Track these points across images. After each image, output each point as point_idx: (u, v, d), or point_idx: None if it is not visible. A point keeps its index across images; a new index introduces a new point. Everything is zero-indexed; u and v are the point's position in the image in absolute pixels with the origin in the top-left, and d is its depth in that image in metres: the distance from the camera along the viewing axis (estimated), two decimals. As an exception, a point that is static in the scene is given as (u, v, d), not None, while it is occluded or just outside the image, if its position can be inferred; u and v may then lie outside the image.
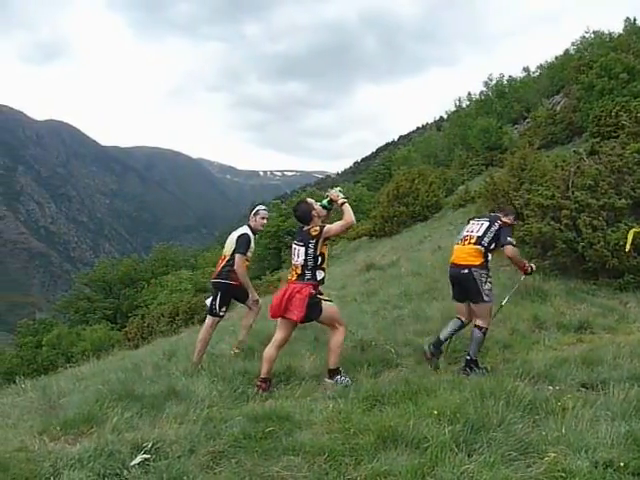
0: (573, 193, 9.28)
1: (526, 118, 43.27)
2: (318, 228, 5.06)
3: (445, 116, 64.72)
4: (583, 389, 4.60)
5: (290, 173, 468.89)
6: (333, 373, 5.03)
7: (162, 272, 49.01)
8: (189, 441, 3.77)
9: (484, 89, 49.27)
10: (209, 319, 6.28)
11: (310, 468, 3.37)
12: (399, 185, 24.86)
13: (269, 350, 5.06)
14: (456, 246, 5.74)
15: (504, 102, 46.56)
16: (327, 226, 5.13)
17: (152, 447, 3.69)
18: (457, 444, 3.47)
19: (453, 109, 53.52)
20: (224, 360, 5.95)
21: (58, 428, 4.26)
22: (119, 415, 4.34)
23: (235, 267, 6.06)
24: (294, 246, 5.26)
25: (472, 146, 42.53)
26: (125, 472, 3.42)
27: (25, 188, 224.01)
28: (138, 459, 3.56)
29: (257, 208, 6.65)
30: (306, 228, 5.17)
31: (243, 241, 6.17)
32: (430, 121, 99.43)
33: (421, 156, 50.86)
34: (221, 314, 6.24)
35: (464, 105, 51.13)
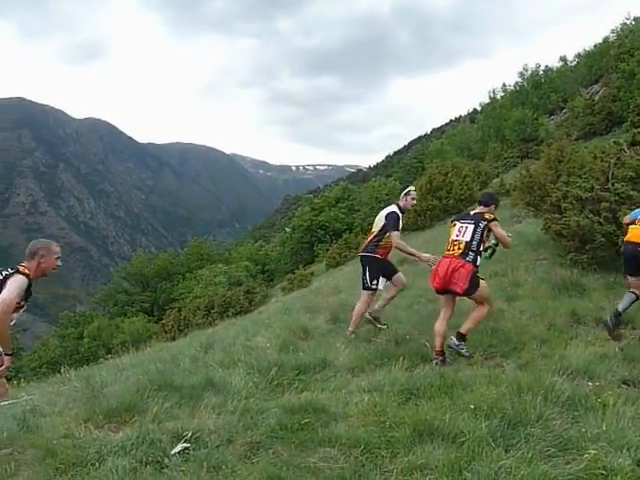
0: (613, 185, 9.03)
1: (563, 109, 42.18)
2: (492, 215, 5.62)
3: (479, 108, 63.57)
4: (624, 386, 4.51)
5: (322, 167, 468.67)
6: (461, 338, 5.41)
7: (197, 266, 49.67)
8: (227, 431, 3.85)
9: (519, 80, 48.10)
10: (364, 294, 6.59)
11: (346, 460, 3.40)
12: (432, 178, 24.60)
13: (439, 325, 5.46)
14: (632, 226, 6.23)
15: (540, 93, 45.44)
16: (497, 221, 5.61)
17: (191, 436, 3.78)
18: (494, 439, 3.46)
19: (487, 101, 52.52)
20: (259, 352, 6.01)
21: (102, 416, 4.38)
22: (159, 405, 4.44)
23: (395, 245, 6.47)
24: (460, 224, 5.63)
25: (507, 138, 41.72)
26: (166, 460, 3.51)
27: (65, 184, 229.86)
28: (178, 448, 3.65)
29: (409, 188, 6.95)
30: (479, 211, 5.70)
31: (393, 219, 6.46)
32: (464, 113, 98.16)
33: (454, 149, 50.16)
34: (373, 287, 6.54)
35: (498, 97, 50.01)
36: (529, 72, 47.28)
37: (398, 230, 6.42)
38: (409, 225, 25.19)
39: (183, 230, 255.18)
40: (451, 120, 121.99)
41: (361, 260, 6.74)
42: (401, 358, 5.18)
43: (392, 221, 6.43)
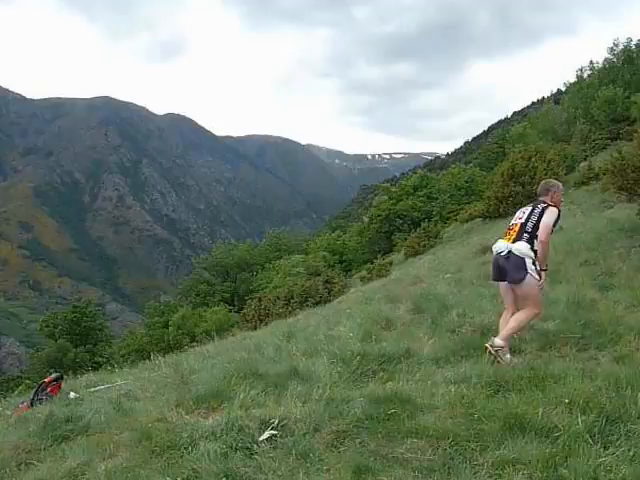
0: None
1: (659, 85, 39.39)
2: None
3: (563, 89, 60.48)
4: None
5: (398, 155, 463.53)
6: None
7: (275, 257, 50.57)
8: (313, 420, 3.88)
9: (609, 56, 45.37)
10: None
11: (434, 452, 3.35)
12: (514, 164, 23.73)
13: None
14: None
15: (633, 69, 42.62)
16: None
17: (278, 424, 3.84)
18: (591, 435, 3.31)
19: (573, 80, 49.92)
20: (342, 342, 6.03)
21: (191, 402, 4.55)
22: (246, 392, 4.54)
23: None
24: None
25: (595, 119, 39.53)
26: (255, 446, 3.59)
27: (149, 179, 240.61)
28: (266, 434, 3.72)
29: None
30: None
31: None
32: (547, 95, 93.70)
33: (537, 132, 47.99)
34: None
35: (585, 75, 47.46)
36: (620, 47, 44.46)
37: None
38: (490, 212, 24.50)
39: (261, 221, 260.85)
40: (533, 102, 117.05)
41: None
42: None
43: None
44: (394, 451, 3.40)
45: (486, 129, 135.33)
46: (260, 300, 20.72)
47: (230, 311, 37.55)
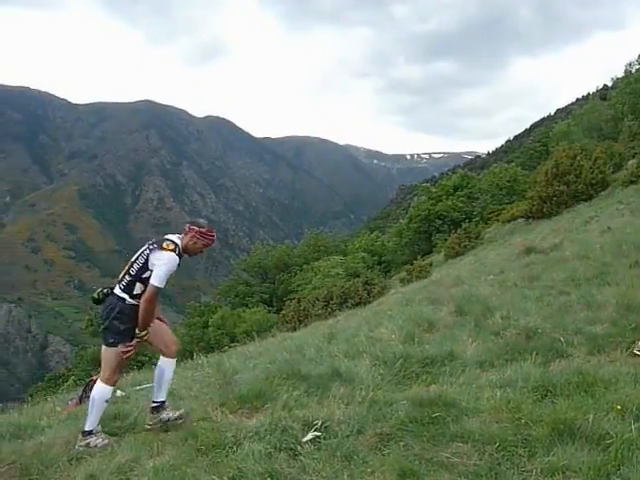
0: None
1: None
2: None
3: (610, 84, 58.73)
4: None
5: (438, 155, 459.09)
6: None
7: (314, 258, 50.66)
8: (356, 422, 3.87)
9: (660, 49, 43.77)
10: None
11: (481, 457, 3.30)
12: (559, 162, 23.16)
13: None
14: None
15: (683, 63, 41.13)
16: None
17: (321, 425, 3.84)
18: (645, 443, 3.18)
19: (621, 75, 48.33)
20: (383, 344, 6.00)
21: (235, 402, 4.60)
22: (288, 393, 4.57)
23: None
24: None
25: (644, 115, 38.19)
26: (299, 447, 3.60)
27: (189, 181, 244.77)
28: (310, 436, 3.73)
29: None
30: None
31: None
32: (592, 91, 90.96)
33: (582, 130, 46.74)
34: None
35: (634, 70, 45.86)
36: (671, 40, 42.79)
37: None
38: (533, 213, 23.98)
39: (299, 222, 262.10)
40: (578, 99, 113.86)
41: None
42: (533, 353, 4.93)
43: None
44: (439, 455, 3.36)
45: (528, 127, 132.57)
46: (299, 301, 20.80)
47: (269, 312, 37.81)
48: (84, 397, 6.19)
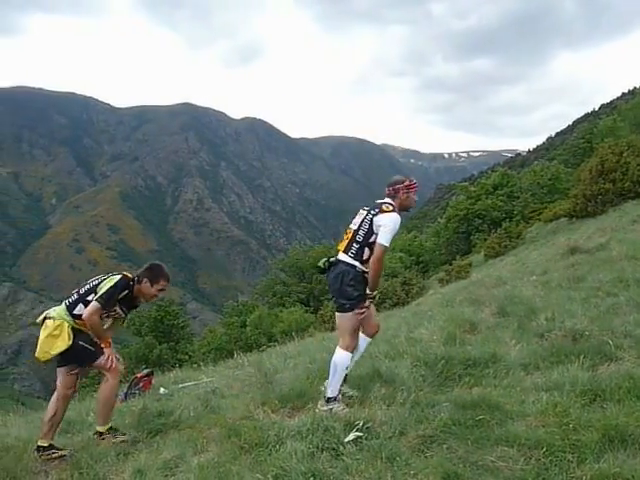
0: None
1: None
2: None
3: (657, 78, 56.67)
4: None
5: (476, 154, 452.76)
6: None
7: (351, 258, 50.46)
8: (398, 423, 3.84)
9: None
10: None
11: (527, 461, 3.23)
12: (604, 159, 22.48)
13: None
14: None
15: None
16: None
17: (363, 426, 3.82)
18: None
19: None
20: (424, 345, 5.94)
21: (276, 401, 4.63)
22: (329, 393, 4.57)
23: None
24: None
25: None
26: (341, 447, 3.59)
27: (227, 181, 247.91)
28: (351, 436, 3.72)
29: None
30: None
31: None
32: (639, 85, 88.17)
33: (629, 125, 45.24)
34: None
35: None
36: None
37: None
38: (577, 212, 23.37)
39: (335, 222, 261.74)
40: (623, 94, 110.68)
41: None
42: (580, 356, 4.79)
43: None
44: (484, 459, 3.30)
45: (571, 123, 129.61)
46: (337, 301, 20.75)
47: (306, 312, 37.89)
48: (129, 394, 6.35)
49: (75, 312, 4.46)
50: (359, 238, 4.52)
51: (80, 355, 4.45)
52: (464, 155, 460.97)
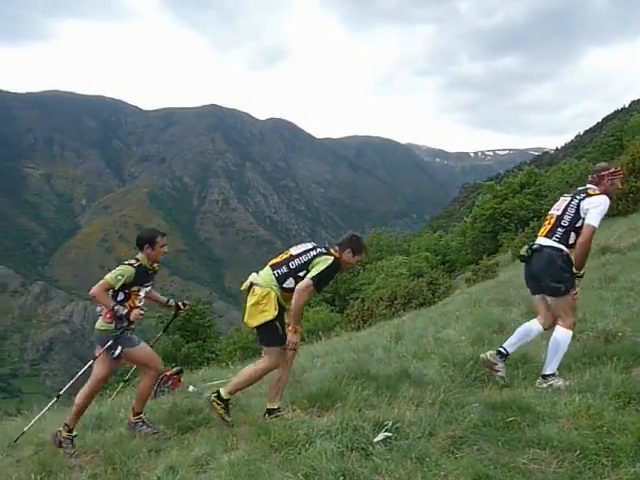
0: None
1: None
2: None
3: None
4: None
5: (502, 152, 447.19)
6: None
7: (376, 257, 50.40)
8: (428, 423, 3.81)
9: None
10: None
11: (560, 464, 3.18)
12: (635, 157, 21.99)
13: None
14: None
15: None
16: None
17: (392, 426, 3.81)
18: None
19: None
20: (452, 345, 5.91)
21: (305, 400, 4.64)
22: (357, 393, 4.58)
23: None
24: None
25: None
26: (370, 447, 3.59)
27: (252, 182, 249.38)
28: (380, 436, 3.71)
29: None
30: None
31: None
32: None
33: (662, 121, 44.31)
34: None
35: None
36: None
37: None
38: (607, 210, 22.90)
39: (360, 222, 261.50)
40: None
41: None
42: (614, 358, 4.71)
43: None
44: (515, 461, 3.26)
45: (600, 121, 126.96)
46: (363, 301, 20.76)
47: (331, 311, 37.88)
48: (158, 391, 6.42)
49: (285, 285, 4.47)
50: (564, 223, 4.62)
51: (269, 333, 4.46)
52: (490, 154, 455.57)
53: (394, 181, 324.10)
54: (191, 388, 6.41)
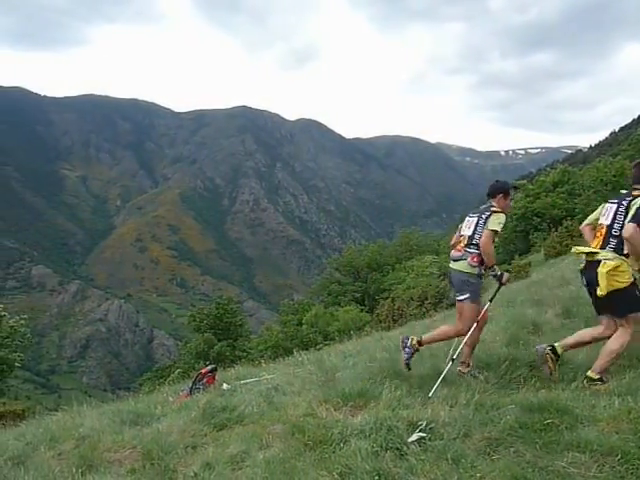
0: None
1: None
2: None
3: None
4: None
5: (534, 150, 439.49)
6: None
7: (406, 257, 50.05)
8: (463, 424, 3.78)
9: None
10: None
11: (600, 468, 3.12)
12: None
13: None
14: None
15: None
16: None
17: (426, 426, 3.79)
18: None
19: None
20: (486, 346, 5.83)
21: (338, 399, 4.65)
22: (391, 392, 4.56)
23: None
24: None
25: None
26: (404, 447, 3.58)
27: (282, 182, 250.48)
28: (415, 436, 3.69)
29: None
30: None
31: None
32: None
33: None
34: None
35: None
36: None
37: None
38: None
39: (390, 221, 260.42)
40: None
41: None
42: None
43: None
44: (554, 464, 3.20)
45: (636, 117, 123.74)
46: (393, 300, 20.64)
47: (361, 311, 37.76)
48: (194, 388, 6.52)
49: (624, 252, 4.42)
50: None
51: (630, 300, 4.43)
52: (521, 152, 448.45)
53: (424, 180, 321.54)
54: (225, 386, 6.48)
